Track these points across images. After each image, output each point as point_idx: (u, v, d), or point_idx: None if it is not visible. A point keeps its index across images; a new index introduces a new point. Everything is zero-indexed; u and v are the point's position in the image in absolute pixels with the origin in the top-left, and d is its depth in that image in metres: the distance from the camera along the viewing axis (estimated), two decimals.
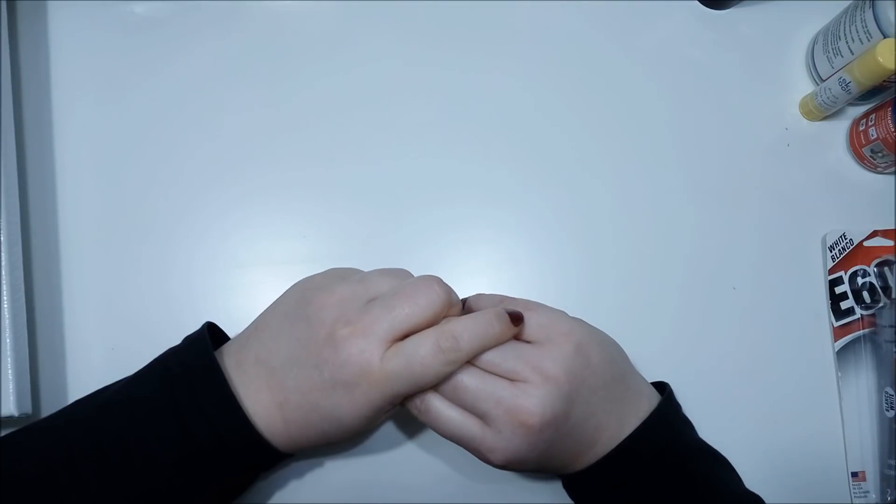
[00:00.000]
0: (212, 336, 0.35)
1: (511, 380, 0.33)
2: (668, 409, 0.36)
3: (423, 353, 0.31)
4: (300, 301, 0.34)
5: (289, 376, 0.33)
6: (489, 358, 0.33)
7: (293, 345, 0.33)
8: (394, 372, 0.31)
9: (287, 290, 0.36)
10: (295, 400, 0.32)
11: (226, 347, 0.35)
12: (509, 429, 0.32)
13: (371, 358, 0.31)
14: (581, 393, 0.33)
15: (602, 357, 0.35)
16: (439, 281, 0.33)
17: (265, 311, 0.36)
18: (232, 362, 0.34)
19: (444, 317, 0.33)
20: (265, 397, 0.33)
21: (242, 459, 0.33)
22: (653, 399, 0.37)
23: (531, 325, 0.34)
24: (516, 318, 0.33)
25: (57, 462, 0.31)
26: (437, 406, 0.33)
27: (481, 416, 0.33)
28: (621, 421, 0.35)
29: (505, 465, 0.33)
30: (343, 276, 0.35)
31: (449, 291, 0.33)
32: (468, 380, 0.32)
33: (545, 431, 0.32)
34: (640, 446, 0.35)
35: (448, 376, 0.32)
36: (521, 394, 0.32)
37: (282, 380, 0.33)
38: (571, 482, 0.37)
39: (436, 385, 0.33)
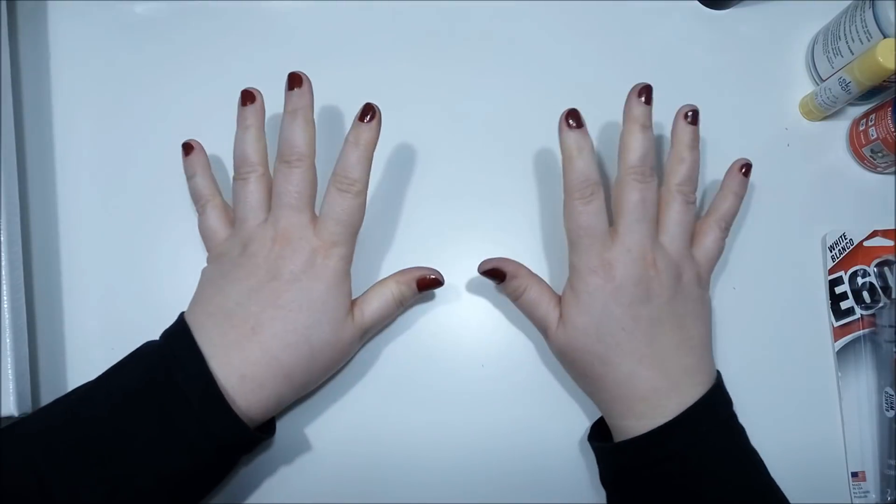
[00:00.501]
0: None
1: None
2: (722, 384, 0.38)
3: (335, 206, 0.36)
4: (220, 258, 0.37)
5: (250, 304, 0.34)
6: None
7: (240, 282, 0.35)
8: (327, 231, 0.36)
9: (201, 281, 0.38)
10: (267, 316, 0.34)
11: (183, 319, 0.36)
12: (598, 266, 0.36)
13: (305, 227, 0.36)
14: (676, 302, 0.36)
15: (706, 308, 0.39)
16: (295, 132, 0.37)
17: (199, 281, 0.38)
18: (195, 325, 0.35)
19: None
20: (232, 336, 0.34)
21: (223, 440, 0.33)
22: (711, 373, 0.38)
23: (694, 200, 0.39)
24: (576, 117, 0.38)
25: (35, 470, 0.31)
26: (531, 291, 0.39)
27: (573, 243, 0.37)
28: (686, 380, 0.36)
29: (613, 261, 0.36)
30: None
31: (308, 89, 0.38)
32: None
33: (626, 287, 0.35)
34: (706, 412, 0.35)
35: (362, 208, 0.37)
36: (616, 244, 0.36)
37: (244, 312, 0.34)
38: (619, 451, 0.36)
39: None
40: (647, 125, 0.37)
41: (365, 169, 0.36)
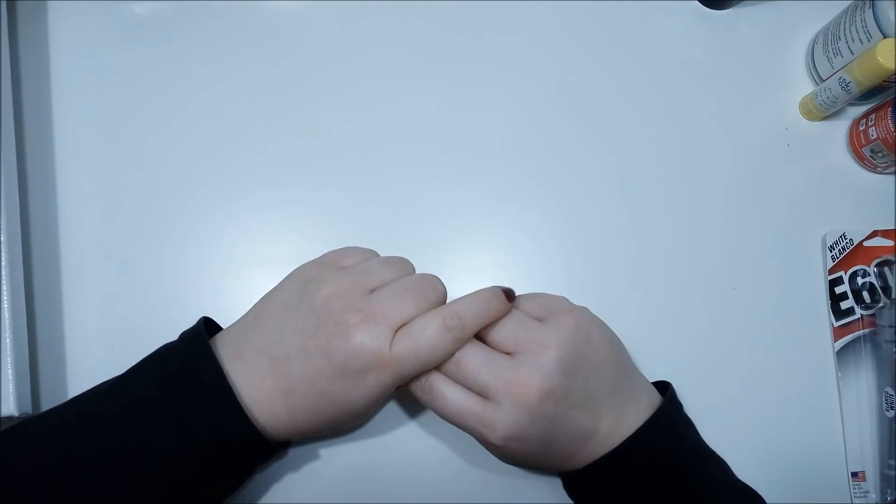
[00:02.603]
0: (207, 330, 0.35)
1: (512, 353, 0.34)
2: (670, 409, 0.36)
3: (430, 334, 0.32)
4: (303, 293, 0.34)
5: (295, 365, 0.33)
6: (492, 334, 0.34)
7: (299, 335, 0.33)
8: (404, 354, 0.32)
9: (284, 281, 0.36)
10: (303, 389, 0.33)
11: (220, 339, 0.35)
12: (509, 400, 0.32)
13: (382, 344, 0.32)
14: (581, 369, 0.34)
15: (603, 338, 0.35)
16: (439, 280, 0.35)
17: (263, 301, 0.36)
18: (229, 354, 0.34)
19: None
20: (268, 386, 0.33)
21: (242, 454, 0.33)
22: (653, 396, 0.37)
23: (534, 307, 0.35)
24: (510, 294, 0.35)
25: (46, 468, 0.31)
26: (440, 385, 0.34)
27: (482, 391, 0.33)
28: (621, 411, 0.35)
29: (505, 444, 0.33)
30: (340, 264, 0.36)
31: (445, 290, 0.35)
32: (470, 355, 0.34)
33: (544, 403, 0.32)
34: (641, 447, 0.34)
35: (451, 354, 0.34)
36: (521, 364, 0.33)
37: (287, 369, 0.33)
38: (571, 481, 0.37)
39: (439, 365, 0.34)
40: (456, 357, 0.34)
41: (477, 327, 0.34)
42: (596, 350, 0.35)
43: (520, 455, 0.35)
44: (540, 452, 0.34)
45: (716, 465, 0.37)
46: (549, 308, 0.35)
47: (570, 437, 0.34)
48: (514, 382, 0.32)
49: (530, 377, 0.32)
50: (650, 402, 0.36)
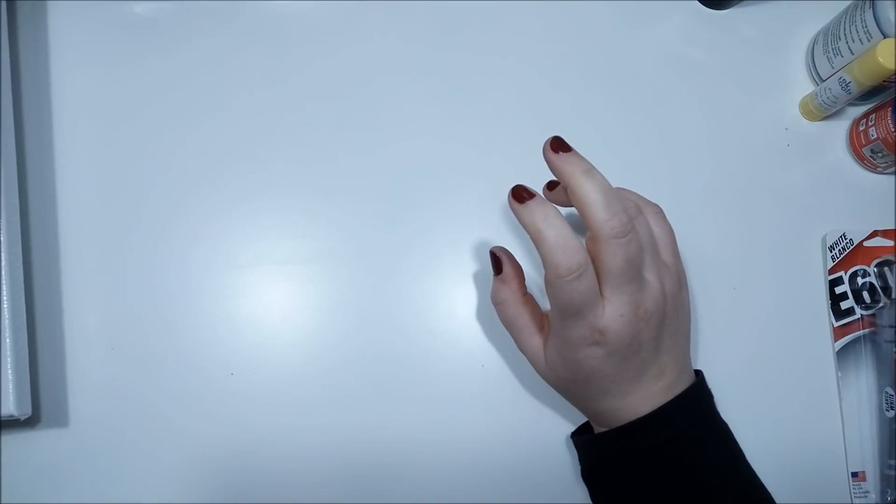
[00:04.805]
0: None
1: None
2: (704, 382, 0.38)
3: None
4: None
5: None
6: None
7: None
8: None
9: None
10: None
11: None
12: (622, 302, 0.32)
13: None
14: (676, 312, 0.36)
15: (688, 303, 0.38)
16: None
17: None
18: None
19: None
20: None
21: None
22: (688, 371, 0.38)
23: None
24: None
25: None
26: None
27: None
28: (672, 375, 0.36)
29: (606, 329, 0.32)
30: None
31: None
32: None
33: (618, 350, 0.33)
34: (693, 403, 0.36)
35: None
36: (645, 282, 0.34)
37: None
38: (618, 434, 0.36)
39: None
40: (588, 167, 0.32)
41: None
42: (685, 305, 0.37)
43: (593, 367, 0.34)
44: (610, 373, 0.34)
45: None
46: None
47: (635, 370, 0.34)
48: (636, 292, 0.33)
49: (651, 292, 0.33)
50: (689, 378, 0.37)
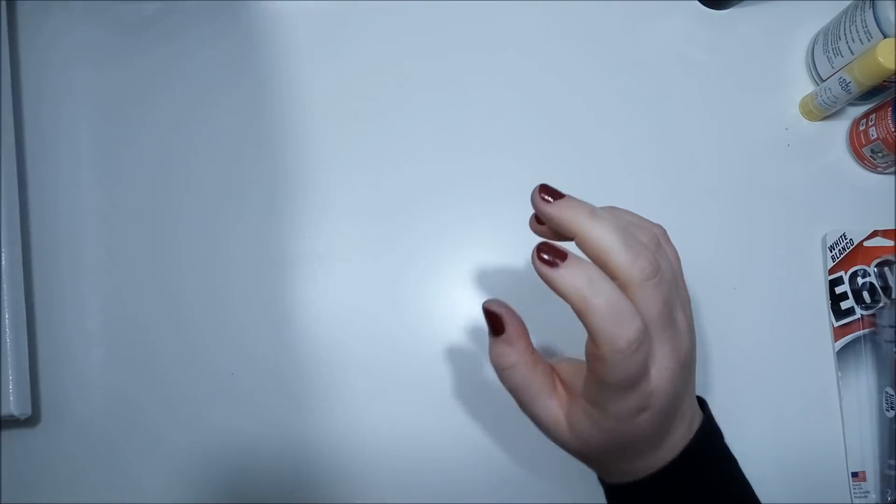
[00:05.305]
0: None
1: None
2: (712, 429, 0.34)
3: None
4: None
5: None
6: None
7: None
8: None
9: None
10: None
11: None
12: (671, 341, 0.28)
13: None
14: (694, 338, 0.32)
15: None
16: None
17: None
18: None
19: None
20: None
21: None
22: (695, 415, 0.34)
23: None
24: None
25: None
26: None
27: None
28: (693, 402, 0.32)
29: (655, 390, 0.28)
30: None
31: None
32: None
33: (663, 406, 0.28)
34: (707, 447, 0.32)
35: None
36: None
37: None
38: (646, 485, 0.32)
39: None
40: (590, 208, 0.28)
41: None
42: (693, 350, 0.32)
43: (625, 420, 0.29)
44: (651, 436, 0.30)
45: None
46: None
47: (671, 421, 0.30)
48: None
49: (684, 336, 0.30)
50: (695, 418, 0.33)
